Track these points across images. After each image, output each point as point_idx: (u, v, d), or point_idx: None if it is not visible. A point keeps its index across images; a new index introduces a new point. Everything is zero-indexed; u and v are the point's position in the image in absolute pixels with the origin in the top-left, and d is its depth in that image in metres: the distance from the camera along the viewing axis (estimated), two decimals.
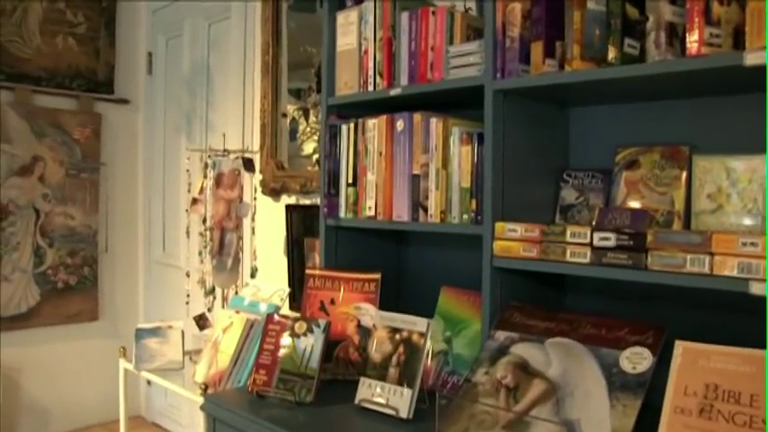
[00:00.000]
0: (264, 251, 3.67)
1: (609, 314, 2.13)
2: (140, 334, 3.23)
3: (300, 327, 2.53)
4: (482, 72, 2.32)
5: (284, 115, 3.96)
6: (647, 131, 2.42)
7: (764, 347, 1.71)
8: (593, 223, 2.43)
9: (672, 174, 2.31)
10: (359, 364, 2.70)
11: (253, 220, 3.48)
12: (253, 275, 3.47)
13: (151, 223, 5.26)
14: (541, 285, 2.49)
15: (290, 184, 3.80)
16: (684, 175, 2.27)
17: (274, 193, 3.91)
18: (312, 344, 2.49)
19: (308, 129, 3.87)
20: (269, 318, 2.63)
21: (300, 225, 3.70)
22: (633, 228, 2.29)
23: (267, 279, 3.59)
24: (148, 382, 3.36)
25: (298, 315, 2.82)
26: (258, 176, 3.93)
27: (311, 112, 3.86)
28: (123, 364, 3.35)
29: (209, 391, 2.79)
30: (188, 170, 3.48)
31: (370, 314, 2.73)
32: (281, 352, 2.52)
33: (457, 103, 2.62)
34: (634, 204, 2.37)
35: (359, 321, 2.74)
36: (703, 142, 2.23)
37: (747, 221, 2.07)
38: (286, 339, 2.53)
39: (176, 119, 4.90)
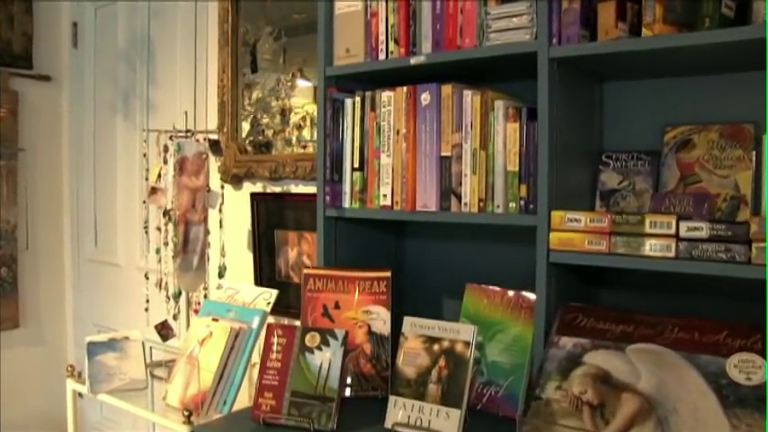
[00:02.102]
0: (226, 246, 3.21)
1: (692, 314, 1.85)
2: (93, 349, 2.72)
3: (313, 339, 2.13)
4: (533, 37, 1.99)
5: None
6: (699, 109, 2.16)
7: None
8: (649, 209, 2.18)
9: (734, 154, 2.07)
10: (373, 378, 2.34)
11: (220, 211, 3.03)
12: (221, 275, 3.03)
13: (80, 216, 4.66)
14: (580, 282, 2.20)
15: (256, 170, 3.35)
16: (751, 155, 2.03)
17: (236, 181, 3.46)
18: (329, 359, 2.10)
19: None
20: (270, 329, 2.21)
21: (268, 216, 3.27)
22: (697, 213, 2.04)
23: (230, 278, 3.15)
24: (80, 395, 2.84)
25: (297, 323, 2.42)
26: (215, 162, 3.46)
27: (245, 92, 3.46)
28: (72, 385, 2.83)
29: (194, 417, 2.34)
30: (145, 154, 2.98)
31: (382, 318, 2.37)
32: (291, 370, 2.11)
33: (488, 74, 2.28)
34: (692, 188, 2.12)
35: (369, 327, 2.37)
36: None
37: None
38: (295, 355, 2.13)
39: (110, 97, 4.32)
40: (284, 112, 3.30)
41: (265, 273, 3.29)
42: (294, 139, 3.24)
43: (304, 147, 3.15)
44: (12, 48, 4.38)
